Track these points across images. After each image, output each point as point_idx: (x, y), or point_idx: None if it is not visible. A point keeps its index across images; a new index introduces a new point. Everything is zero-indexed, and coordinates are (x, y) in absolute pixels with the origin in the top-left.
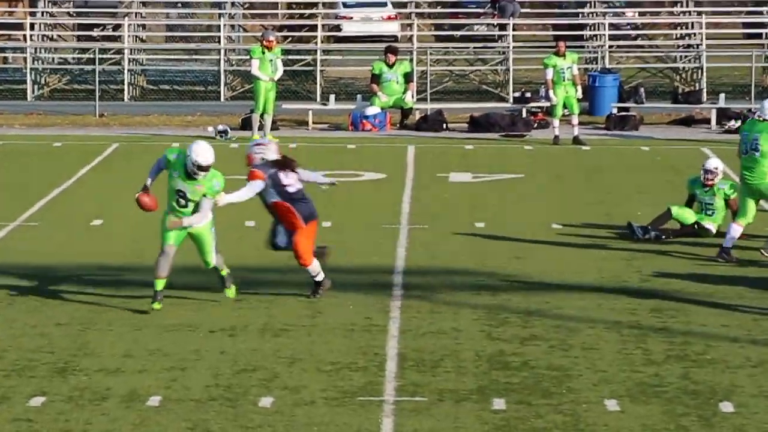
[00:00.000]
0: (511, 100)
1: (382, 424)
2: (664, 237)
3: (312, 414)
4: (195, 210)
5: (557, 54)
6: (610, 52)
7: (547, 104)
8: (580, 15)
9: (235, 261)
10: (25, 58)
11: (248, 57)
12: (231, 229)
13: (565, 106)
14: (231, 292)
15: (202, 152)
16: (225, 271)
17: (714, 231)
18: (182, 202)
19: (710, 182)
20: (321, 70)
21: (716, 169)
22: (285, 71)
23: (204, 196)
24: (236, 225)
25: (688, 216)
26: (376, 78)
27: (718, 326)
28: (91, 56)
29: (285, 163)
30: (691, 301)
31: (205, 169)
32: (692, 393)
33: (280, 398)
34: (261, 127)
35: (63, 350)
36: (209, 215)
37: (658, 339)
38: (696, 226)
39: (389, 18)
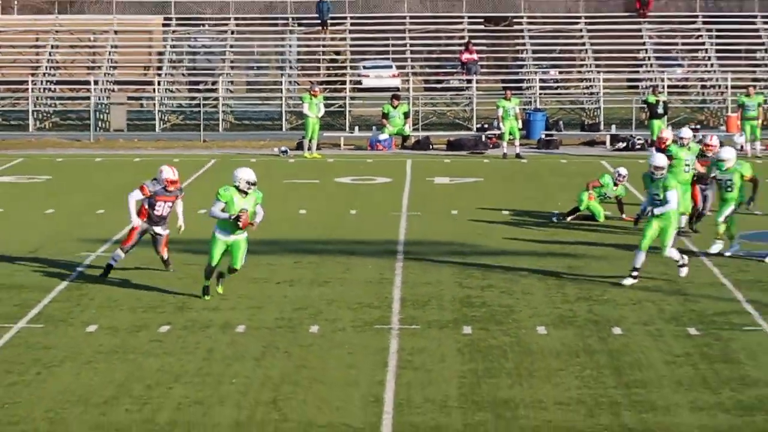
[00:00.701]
0: (475, 129)
1: (390, 343)
2: (572, 218)
3: (344, 337)
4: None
5: (505, 98)
6: (540, 97)
7: (498, 132)
8: (520, 73)
9: (293, 236)
10: (154, 104)
11: (301, 101)
12: (289, 217)
13: (510, 134)
14: (221, 288)
15: (248, 172)
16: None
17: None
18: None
19: (620, 182)
20: (349, 110)
21: (626, 174)
22: (325, 111)
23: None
24: (293, 213)
25: (593, 205)
26: (385, 115)
27: (610, 277)
28: (198, 102)
29: None
30: (593, 260)
31: (254, 183)
32: (594, 322)
33: (323, 326)
34: (309, 148)
35: (181, 294)
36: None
37: (572, 285)
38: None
39: (394, 76)
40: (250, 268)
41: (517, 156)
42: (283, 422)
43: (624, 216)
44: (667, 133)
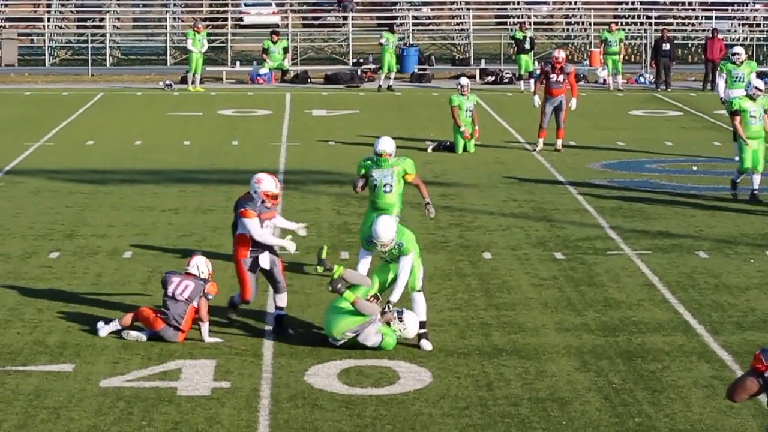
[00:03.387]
0: (351, 64)
1: None
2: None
3: (228, 262)
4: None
5: (390, 31)
6: (413, 33)
7: (373, 66)
8: (394, 10)
9: (178, 167)
10: (44, 40)
11: (185, 38)
12: (174, 148)
13: (388, 68)
14: None
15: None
16: None
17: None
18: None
19: (465, 92)
20: (231, 46)
21: (466, 83)
22: (208, 46)
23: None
24: (178, 144)
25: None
26: (265, 51)
27: (480, 205)
28: (86, 38)
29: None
30: (464, 188)
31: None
32: (465, 247)
33: (207, 253)
34: (193, 82)
35: (70, 222)
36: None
37: (444, 212)
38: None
39: (273, 13)
40: (135, 197)
41: (389, 88)
42: (168, 344)
43: (477, 128)
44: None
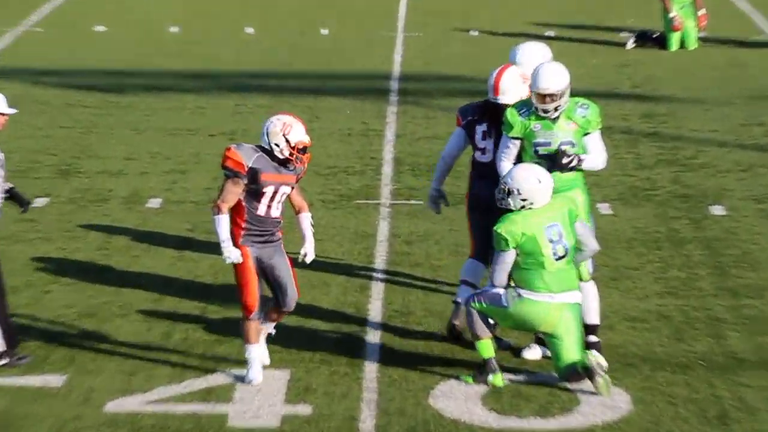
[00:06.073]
0: None
1: (378, 226)
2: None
3: (315, 212)
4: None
5: None
6: None
7: None
8: None
9: (238, 67)
10: None
11: None
12: (232, 37)
13: None
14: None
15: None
16: None
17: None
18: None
19: None
20: None
21: None
22: None
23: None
24: (237, 33)
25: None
26: None
27: (706, 131)
28: None
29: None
30: (680, 104)
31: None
32: (683, 196)
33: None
34: None
35: (65, 152)
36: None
37: (649, 144)
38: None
39: None
40: (167, 113)
41: None
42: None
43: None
44: None
